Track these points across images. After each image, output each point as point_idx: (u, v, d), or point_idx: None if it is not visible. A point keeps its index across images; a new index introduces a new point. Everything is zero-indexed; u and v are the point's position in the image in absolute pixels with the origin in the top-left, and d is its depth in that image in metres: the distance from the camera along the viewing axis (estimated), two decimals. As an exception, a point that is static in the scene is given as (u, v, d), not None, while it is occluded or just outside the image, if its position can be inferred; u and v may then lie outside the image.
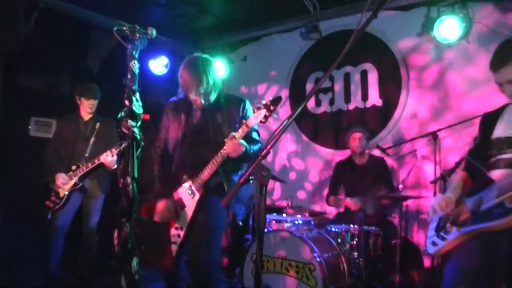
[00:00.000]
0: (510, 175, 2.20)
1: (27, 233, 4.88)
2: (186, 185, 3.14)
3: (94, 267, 4.48)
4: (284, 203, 5.19)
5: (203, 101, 3.14)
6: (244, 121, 2.92)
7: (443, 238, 2.41)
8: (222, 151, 2.95)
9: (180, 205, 3.17)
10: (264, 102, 2.78)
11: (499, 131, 2.40)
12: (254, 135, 3.23)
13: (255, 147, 3.15)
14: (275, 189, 6.22)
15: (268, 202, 6.07)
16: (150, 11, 5.55)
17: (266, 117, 2.77)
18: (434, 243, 2.47)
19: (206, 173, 3.04)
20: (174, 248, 3.14)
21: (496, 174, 2.30)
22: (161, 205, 3.15)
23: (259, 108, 2.79)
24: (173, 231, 3.18)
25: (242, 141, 2.95)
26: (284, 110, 6.26)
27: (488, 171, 2.34)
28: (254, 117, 2.82)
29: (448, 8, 4.83)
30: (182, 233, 3.12)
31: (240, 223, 3.27)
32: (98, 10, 5.47)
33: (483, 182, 2.32)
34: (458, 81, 4.92)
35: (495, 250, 2.21)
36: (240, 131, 2.90)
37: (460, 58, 4.92)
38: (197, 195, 3.08)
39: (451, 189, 2.53)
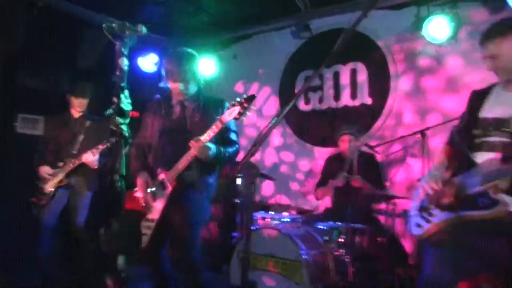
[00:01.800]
0: (493, 162, 2.24)
1: (19, 231, 4.83)
2: (160, 178, 3.18)
3: (92, 266, 4.46)
4: (273, 201, 5.22)
5: (181, 88, 3.20)
6: (218, 117, 2.97)
7: (428, 221, 2.44)
8: (190, 152, 3.01)
9: (152, 198, 3.21)
10: (238, 99, 2.85)
11: (486, 111, 2.44)
12: (232, 135, 3.28)
13: (231, 149, 3.22)
14: (265, 186, 6.23)
15: (259, 198, 6.09)
16: (144, 8, 5.52)
17: (240, 113, 2.84)
18: (419, 225, 2.49)
19: (178, 168, 3.09)
20: (144, 239, 3.17)
21: (479, 156, 2.35)
22: (138, 180, 3.23)
23: (233, 105, 2.86)
24: (144, 223, 3.22)
25: (209, 144, 2.99)
26: (274, 108, 6.28)
27: (472, 152, 2.38)
28: (228, 113, 2.89)
29: (438, 8, 4.85)
30: (152, 225, 3.16)
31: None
32: (91, 7, 5.44)
33: (466, 163, 2.38)
34: (447, 80, 4.97)
35: (480, 240, 2.25)
36: (214, 127, 2.94)
37: (449, 57, 4.96)
38: (169, 189, 3.13)
39: (437, 167, 2.59)
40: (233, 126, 3.30)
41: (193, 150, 2.98)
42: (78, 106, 4.50)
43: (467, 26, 4.78)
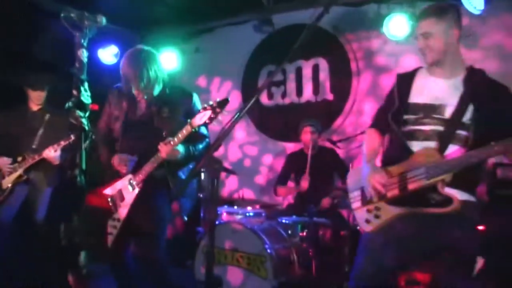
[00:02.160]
0: (431, 151, 2.29)
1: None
2: (127, 178, 3.11)
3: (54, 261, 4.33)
4: (237, 195, 5.22)
5: (144, 96, 3.15)
6: (188, 120, 2.86)
7: (376, 216, 2.43)
8: (158, 154, 2.94)
9: (119, 197, 3.13)
10: (211, 103, 2.75)
11: (415, 96, 2.48)
12: (202, 129, 3.19)
13: (201, 145, 3.16)
14: (229, 181, 6.21)
15: (225, 194, 6.09)
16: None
17: (211, 118, 2.74)
18: (367, 221, 2.47)
19: (148, 168, 3.01)
20: (110, 239, 3.11)
21: (415, 145, 2.38)
22: (115, 159, 3.12)
23: (205, 109, 2.77)
24: (110, 222, 3.15)
25: (178, 147, 2.93)
26: (236, 103, 6.27)
27: (407, 141, 2.41)
28: (199, 117, 2.79)
29: (398, 6, 4.96)
30: (118, 225, 3.09)
31: (185, 218, 3.26)
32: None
33: (401, 151, 2.41)
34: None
35: (438, 233, 2.29)
36: (184, 131, 2.86)
37: (408, 55, 5.07)
38: (137, 189, 3.06)
39: (372, 157, 2.56)
40: None
41: (162, 153, 2.92)
42: (36, 99, 4.36)
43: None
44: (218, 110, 2.73)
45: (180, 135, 2.88)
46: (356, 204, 2.58)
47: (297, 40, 1.92)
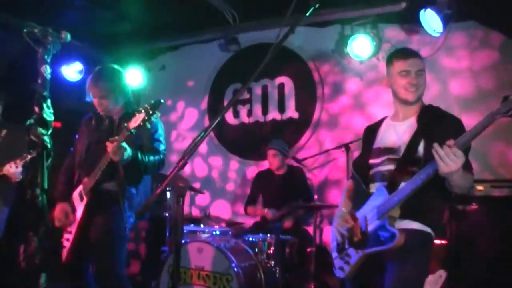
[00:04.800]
0: (381, 192, 2.35)
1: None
2: (78, 189, 3.12)
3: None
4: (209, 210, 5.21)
5: (108, 115, 3.23)
6: (125, 124, 2.88)
7: (347, 262, 2.48)
8: (105, 155, 2.94)
9: (72, 209, 3.14)
10: (145, 105, 2.79)
11: (378, 142, 2.59)
12: (156, 144, 3.23)
13: (153, 157, 3.15)
14: (199, 197, 6.14)
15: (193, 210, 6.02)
16: (64, 14, 5.29)
17: (144, 120, 2.77)
18: (341, 268, 2.52)
19: (92, 178, 3.02)
20: (64, 252, 3.10)
21: (373, 187, 2.48)
22: (57, 208, 3.14)
23: (139, 112, 2.79)
24: (65, 235, 3.14)
25: (123, 144, 2.90)
26: (202, 121, 6.26)
27: (368, 183, 2.52)
28: (134, 120, 2.82)
29: (360, 27, 5.10)
30: (71, 237, 3.07)
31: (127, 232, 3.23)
32: (6, 8, 5.13)
33: (363, 194, 2.50)
34: (368, 96, 5.20)
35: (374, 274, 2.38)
36: (120, 135, 2.88)
37: (370, 74, 5.21)
38: (85, 199, 3.07)
39: (343, 204, 2.67)
40: (157, 135, 3.24)
41: (109, 150, 2.89)
42: None
43: (386, 44, 5.05)
44: (151, 112, 2.76)
45: (120, 136, 2.89)
46: (334, 254, 2.61)
47: (263, 59, 1.94)
